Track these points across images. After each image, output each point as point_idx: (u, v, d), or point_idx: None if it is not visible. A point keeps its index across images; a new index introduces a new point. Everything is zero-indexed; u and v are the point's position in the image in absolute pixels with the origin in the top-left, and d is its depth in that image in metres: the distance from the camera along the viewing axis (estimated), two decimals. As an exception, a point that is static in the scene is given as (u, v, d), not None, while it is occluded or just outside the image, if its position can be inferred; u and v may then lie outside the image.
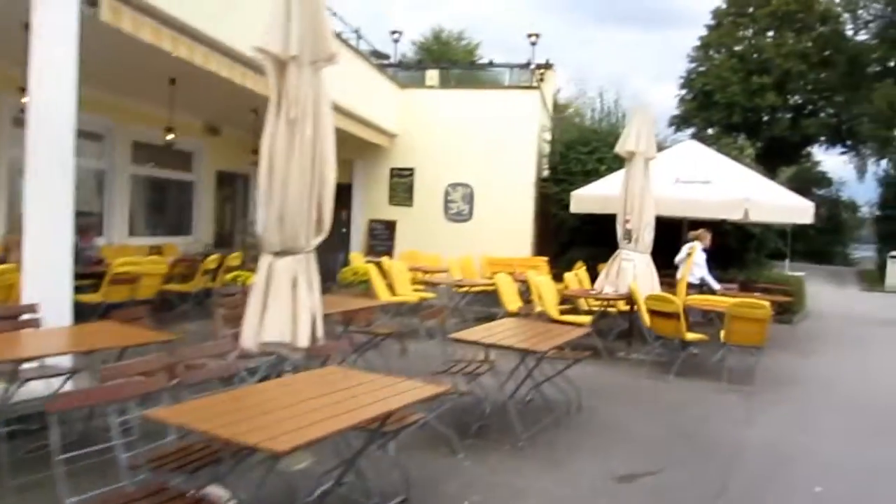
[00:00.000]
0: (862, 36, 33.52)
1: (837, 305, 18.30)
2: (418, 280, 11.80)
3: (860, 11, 33.40)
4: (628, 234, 9.87)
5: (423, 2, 63.68)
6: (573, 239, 14.88)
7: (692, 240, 10.98)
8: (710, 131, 35.72)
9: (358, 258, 13.15)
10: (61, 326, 5.55)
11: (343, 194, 16.22)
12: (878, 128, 28.94)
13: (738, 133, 35.51)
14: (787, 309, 14.36)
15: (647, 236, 9.91)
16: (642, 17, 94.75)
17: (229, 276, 10.63)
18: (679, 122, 35.78)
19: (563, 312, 9.81)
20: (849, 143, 35.51)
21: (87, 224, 10.03)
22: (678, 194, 11.25)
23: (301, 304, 4.83)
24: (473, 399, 6.31)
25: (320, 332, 4.95)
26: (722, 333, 8.40)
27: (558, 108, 19.17)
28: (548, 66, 19.16)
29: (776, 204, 11.78)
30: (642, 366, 8.97)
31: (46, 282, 5.70)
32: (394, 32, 18.53)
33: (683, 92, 36.63)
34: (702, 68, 35.94)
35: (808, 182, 46.13)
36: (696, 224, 11.74)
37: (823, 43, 34.07)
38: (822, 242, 44.76)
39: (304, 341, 4.79)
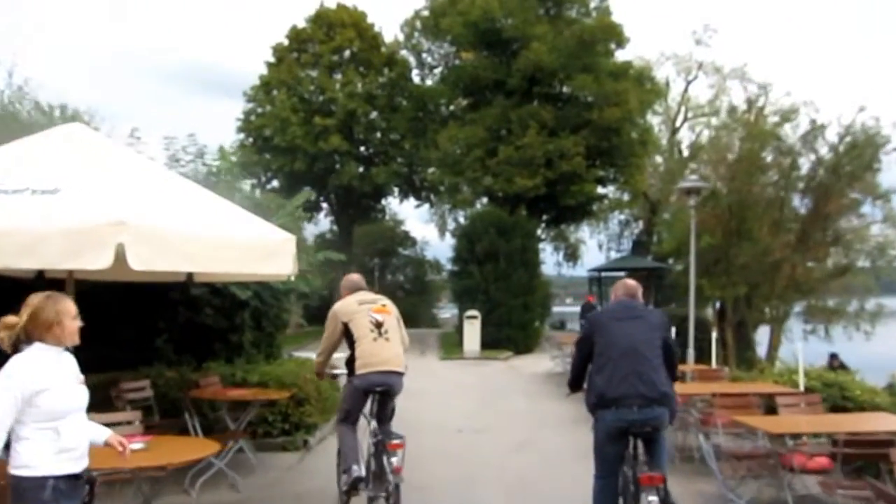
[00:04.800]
0: (428, 81, 31.09)
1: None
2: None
3: (424, 55, 31.04)
4: None
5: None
6: None
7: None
8: (275, 182, 30.81)
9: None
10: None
11: None
12: (445, 172, 26.01)
13: (304, 184, 31.08)
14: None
15: None
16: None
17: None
18: (238, 170, 29.86)
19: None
20: (423, 193, 32.80)
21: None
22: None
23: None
24: None
25: None
26: None
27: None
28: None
29: (210, 237, 5.67)
30: None
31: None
32: None
33: (241, 136, 31.00)
34: (261, 109, 30.75)
35: (391, 241, 43.80)
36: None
37: (391, 87, 31.10)
38: (409, 304, 42.40)
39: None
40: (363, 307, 5.94)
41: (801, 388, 7.84)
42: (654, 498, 4.32)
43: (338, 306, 6.06)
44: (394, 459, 5.43)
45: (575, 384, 5.19)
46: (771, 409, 6.97)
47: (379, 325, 5.82)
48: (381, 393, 5.75)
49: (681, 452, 7.98)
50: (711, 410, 7.35)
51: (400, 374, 5.82)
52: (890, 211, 24.92)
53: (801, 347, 8.84)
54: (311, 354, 12.50)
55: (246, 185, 27.86)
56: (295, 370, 9.03)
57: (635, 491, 4.53)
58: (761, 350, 26.32)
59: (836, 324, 26.84)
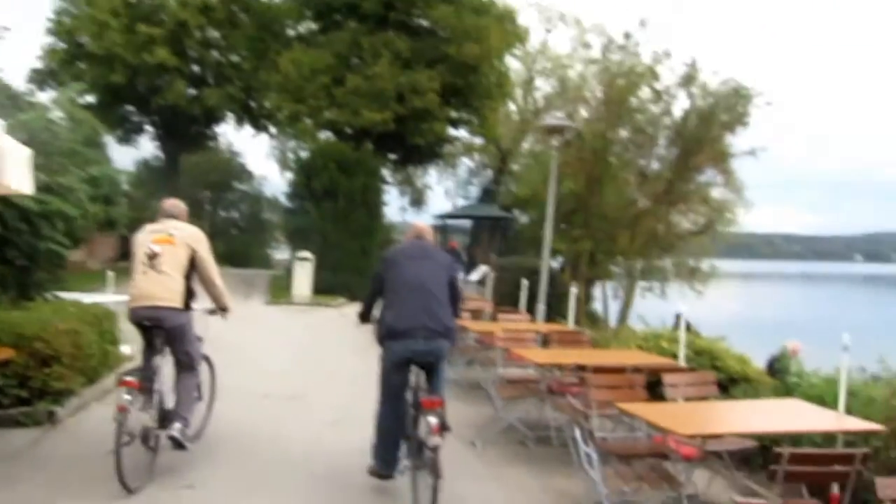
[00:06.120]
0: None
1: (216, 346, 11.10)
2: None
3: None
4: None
5: None
6: None
7: None
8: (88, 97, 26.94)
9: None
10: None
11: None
12: (285, 99, 23.47)
13: (123, 101, 27.60)
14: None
15: None
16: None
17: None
18: (43, 78, 25.96)
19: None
20: (261, 122, 29.95)
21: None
22: None
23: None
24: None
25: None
26: None
27: None
28: None
29: None
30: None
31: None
32: None
33: (51, 40, 26.88)
34: (76, 11, 26.70)
35: (226, 174, 40.53)
36: None
37: (232, 0, 27.85)
38: (242, 243, 39.52)
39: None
40: (149, 237, 5.44)
41: (682, 361, 6.64)
42: (433, 419, 4.59)
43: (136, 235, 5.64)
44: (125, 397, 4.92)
45: (364, 316, 5.47)
46: (650, 387, 5.65)
47: (153, 257, 5.31)
48: (157, 328, 5.33)
49: (534, 430, 6.62)
50: (575, 382, 6.01)
51: (171, 310, 5.28)
52: (731, 175, 25.09)
53: (685, 312, 7.67)
54: (103, 297, 10.27)
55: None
56: (47, 317, 6.80)
57: (416, 414, 4.95)
58: (598, 306, 26.20)
59: (672, 282, 27.12)
